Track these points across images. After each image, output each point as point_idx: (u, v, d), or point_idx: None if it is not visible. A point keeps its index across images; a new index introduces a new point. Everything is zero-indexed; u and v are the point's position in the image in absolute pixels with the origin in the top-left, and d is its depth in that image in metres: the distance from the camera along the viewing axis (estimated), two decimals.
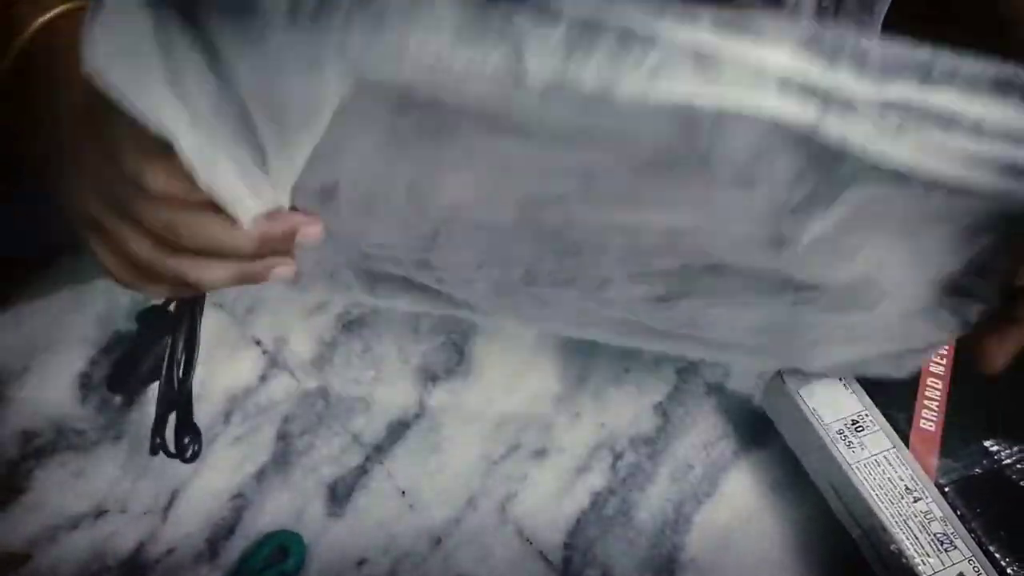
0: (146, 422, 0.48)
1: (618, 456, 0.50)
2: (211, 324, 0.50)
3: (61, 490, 0.46)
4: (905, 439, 0.45)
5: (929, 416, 0.46)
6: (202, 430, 0.46)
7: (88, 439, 0.49)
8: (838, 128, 0.28)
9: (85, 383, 0.51)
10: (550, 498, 0.48)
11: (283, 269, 0.37)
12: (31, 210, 0.47)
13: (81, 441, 0.49)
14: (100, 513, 0.47)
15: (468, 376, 0.52)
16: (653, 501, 0.48)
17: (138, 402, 0.50)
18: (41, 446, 0.49)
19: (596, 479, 0.49)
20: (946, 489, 0.44)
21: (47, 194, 0.36)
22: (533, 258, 0.40)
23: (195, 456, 0.46)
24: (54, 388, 0.51)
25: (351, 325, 0.54)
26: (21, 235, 0.51)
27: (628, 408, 0.51)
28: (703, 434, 0.50)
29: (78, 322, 0.53)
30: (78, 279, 0.55)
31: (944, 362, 0.48)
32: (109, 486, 0.48)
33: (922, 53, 0.28)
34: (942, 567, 0.41)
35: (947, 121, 0.28)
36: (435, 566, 0.46)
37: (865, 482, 0.44)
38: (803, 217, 0.33)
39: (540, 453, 0.50)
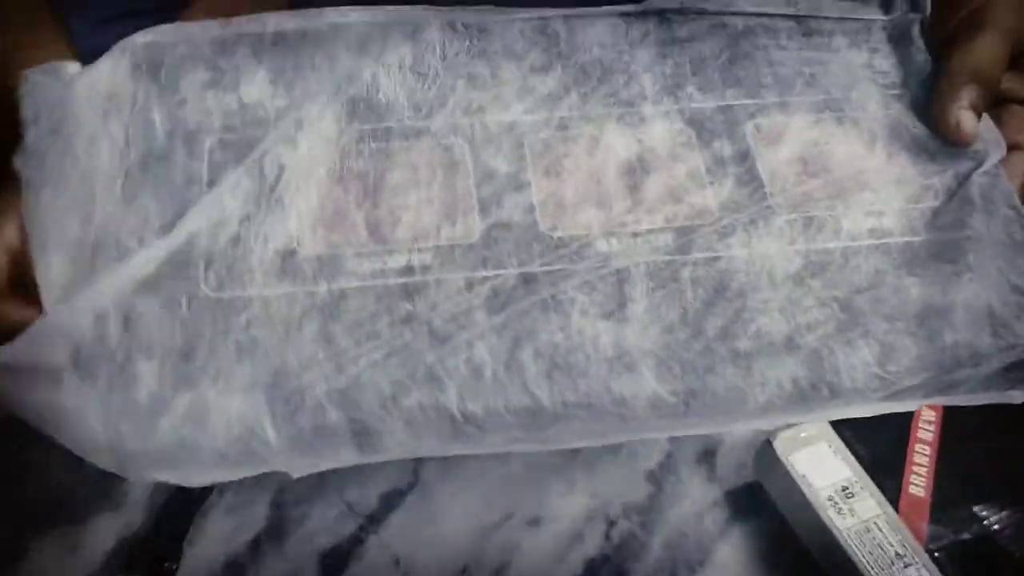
0: (144, 495, 0.49)
1: (611, 524, 0.50)
2: None
3: (58, 560, 0.46)
4: (895, 505, 0.45)
5: (918, 482, 0.46)
6: (197, 499, 0.47)
7: (87, 509, 0.50)
8: None
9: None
10: (544, 566, 0.48)
11: None
12: None
13: (78, 512, 0.49)
14: None
15: None
16: (647, 569, 0.48)
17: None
18: (38, 516, 0.50)
19: (590, 547, 0.49)
20: (936, 555, 0.44)
21: None
22: None
23: None
24: (52, 458, 0.51)
25: None
26: None
27: (621, 476, 0.51)
28: (695, 502, 0.51)
29: None
30: None
31: (932, 428, 0.48)
32: (106, 557, 0.48)
33: None
34: None
35: None
36: None
37: (856, 548, 0.44)
38: None
39: (534, 522, 0.50)
